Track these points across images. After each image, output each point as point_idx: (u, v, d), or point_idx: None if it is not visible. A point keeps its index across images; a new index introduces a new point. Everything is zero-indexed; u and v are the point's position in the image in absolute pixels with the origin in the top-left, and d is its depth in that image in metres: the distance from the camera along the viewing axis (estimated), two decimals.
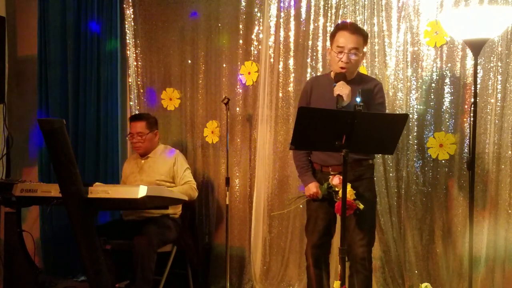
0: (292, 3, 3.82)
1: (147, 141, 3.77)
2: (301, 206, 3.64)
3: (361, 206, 2.82)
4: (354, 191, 2.82)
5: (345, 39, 2.84)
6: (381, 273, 3.57)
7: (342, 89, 2.70)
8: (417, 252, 3.50)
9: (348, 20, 3.58)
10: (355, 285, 2.90)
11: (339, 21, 3.61)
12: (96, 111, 4.39)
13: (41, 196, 3.10)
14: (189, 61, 4.21)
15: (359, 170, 2.93)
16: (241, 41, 4.03)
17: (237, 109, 4.04)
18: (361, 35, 2.89)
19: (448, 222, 3.43)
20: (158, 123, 3.92)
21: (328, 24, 3.69)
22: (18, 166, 4.73)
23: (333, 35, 2.93)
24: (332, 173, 2.92)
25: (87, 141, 4.40)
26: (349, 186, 2.72)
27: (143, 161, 3.82)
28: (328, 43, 3.59)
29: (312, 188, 2.97)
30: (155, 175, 3.73)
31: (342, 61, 2.84)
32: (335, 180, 2.85)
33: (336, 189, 2.85)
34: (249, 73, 3.99)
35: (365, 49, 3.04)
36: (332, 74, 2.97)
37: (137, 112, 4.28)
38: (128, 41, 4.34)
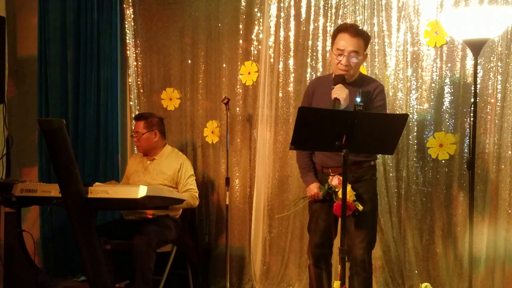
0: (292, 3, 3.82)
1: (143, 140, 3.73)
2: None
3: (360, 208, 2.81)
4: (354, 193, 2.81)
5: (345, 42, 2.81)
6: (381, 273, 3.57)
7: (339, 92, 2.69)
8: (417, 252, 3.50)
9: (349, 20, 3.58)
10: (355, 286, 2.89)
11: (340, 21, 3.61)
12: (96, 111, 4.38)
13: (41, 196, 3.11)
14: (189, 61, 4.21)
15: (359, 171, 2.92)
16: (241, 41, 4.03)
17: (237, 109, 4.04)
18: (362, 38, 2.85)
19: (448, 222, 3.43)
20: (163, 124, 3.85)
21: (328, 24, 3.69)
22: (18, 166, 4.72)
23: (334, 37, 2.90)
24: (331, 174, 2.92)
25: (87, 141, 4.40)
26: (349, 186, 2.70)
27: (148, 162, 3.80)
28: (328, 43, 3.61)
29: (313, 189, 2.98)
30: (158, 178, 3.71)
31: (341, 64, 2.82)
32: (335, 180, 2.86)
33: (336, 190, 2.85)
34: (249, 73, 3.99)
35: (367, 51, 3.01)
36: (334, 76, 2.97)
37: (137, 112, 4.28)
38: (128, 41, 4.34)
